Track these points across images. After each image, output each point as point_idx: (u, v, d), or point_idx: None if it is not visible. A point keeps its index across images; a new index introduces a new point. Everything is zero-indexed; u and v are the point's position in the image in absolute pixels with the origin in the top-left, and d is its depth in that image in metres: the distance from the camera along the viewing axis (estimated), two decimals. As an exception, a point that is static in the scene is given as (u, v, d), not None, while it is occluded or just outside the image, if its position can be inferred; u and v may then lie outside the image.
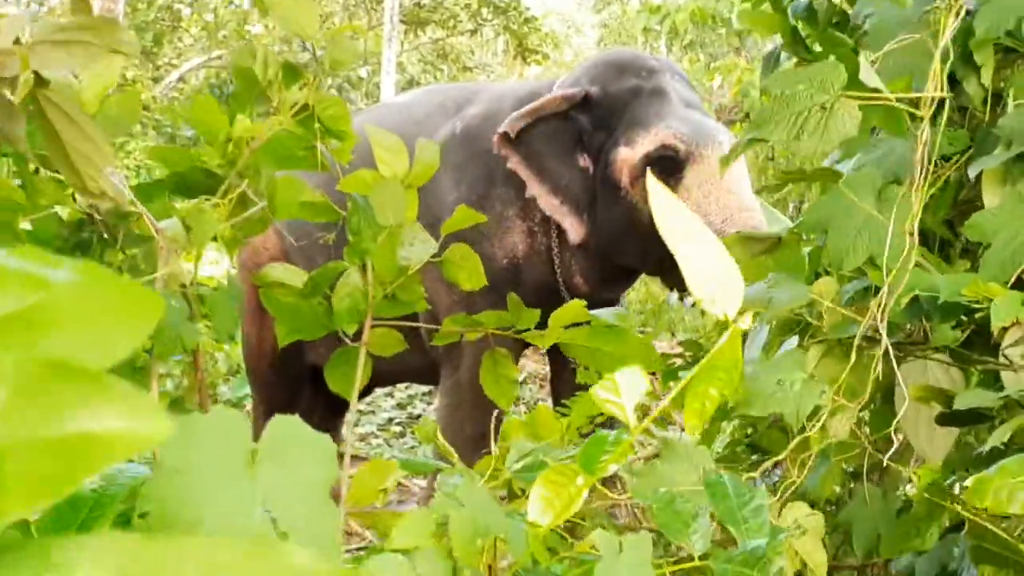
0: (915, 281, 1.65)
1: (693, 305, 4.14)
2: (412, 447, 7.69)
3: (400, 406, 8.82)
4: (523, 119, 4.40)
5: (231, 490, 0.91)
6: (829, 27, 2.55)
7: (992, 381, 1.76)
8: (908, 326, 1.85)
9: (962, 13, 1.80)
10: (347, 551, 5.70)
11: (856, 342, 1.65)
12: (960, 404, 1.62)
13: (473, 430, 4.47)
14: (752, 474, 2.05)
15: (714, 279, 0.95)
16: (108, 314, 0.44)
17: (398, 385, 8.58)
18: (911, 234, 1.65)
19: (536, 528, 1.21)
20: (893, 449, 1.69)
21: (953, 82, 1.87)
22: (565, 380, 4.84)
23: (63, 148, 1.39)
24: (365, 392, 6.60)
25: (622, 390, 1.17)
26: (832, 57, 2.47)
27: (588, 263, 4.54)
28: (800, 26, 2.61)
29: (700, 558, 1.24)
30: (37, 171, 1.67)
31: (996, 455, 1.60)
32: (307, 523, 0.91)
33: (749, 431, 2.45)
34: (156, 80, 19.69)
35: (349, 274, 1.92)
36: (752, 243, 2.05)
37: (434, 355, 4.70)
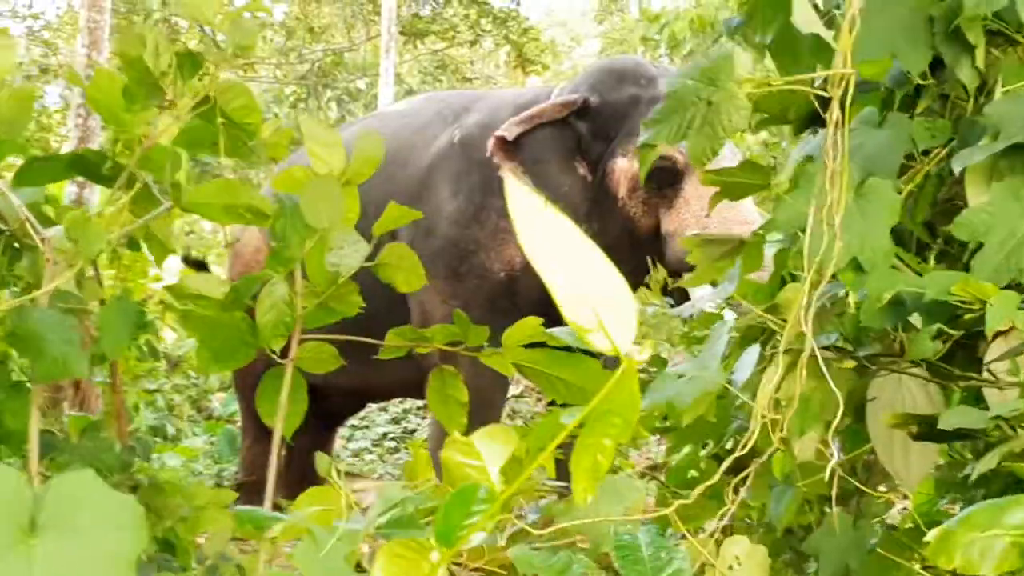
0: (895, 280, 1.47)
1: (692, 317, 4.01)
2: (405, 463, 7.55)
3: (394, 421, 8.68)
4: (521, 124, 4.36)
5: (-1, 567, 0.71)
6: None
7: (974, 400, 1.59)
8: (882, 339, 1.66)
9: None
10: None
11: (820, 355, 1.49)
12: (945, 425, 1.45)
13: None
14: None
15: (598, 300, 0.75)
16: None
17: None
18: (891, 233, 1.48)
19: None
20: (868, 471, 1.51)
21: (934, 67, 1.69)
22: None
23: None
24: (358, 407, 6.53)
25: (483, 453, 0.99)
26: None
27: None
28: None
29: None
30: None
31: (984, 481, 1.44)
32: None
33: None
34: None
35: (273, 284, 1.75)
36: (712, 246, 1.89)
37: (428, 367, 4.57)
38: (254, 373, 5.72)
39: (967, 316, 1.52)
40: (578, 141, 4.42)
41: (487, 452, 0.98)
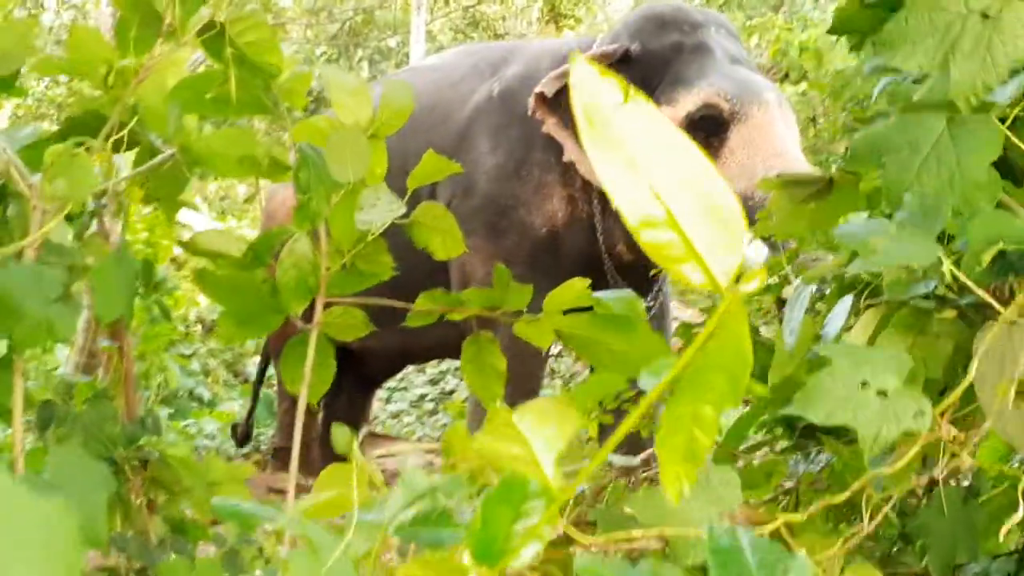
0: (1000, 228, 1.26)
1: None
2: (445, 424, 7.46)
3: (432, 382, 8.59)
4: (561, 79, 4.20)
5: None
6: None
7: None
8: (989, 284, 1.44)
9: None
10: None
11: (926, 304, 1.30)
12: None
13: (509, 403, 4.18)
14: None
15: (691, 217, 0.56)
16: None
17: (430, 360, 8.32)
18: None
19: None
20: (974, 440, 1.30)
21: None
22: None
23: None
24: (396, 369, 6.42)
25: (533, 439, 0.74)
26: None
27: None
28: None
29: None
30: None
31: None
32: None
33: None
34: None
35: (296, 241, 1.57)
36: (796, 186, 1.67)
37: (468, 327, 4.46)
38: (287, 336, 5.67)
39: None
40: None
41: (536, 434, 0.74)
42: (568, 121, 4.18)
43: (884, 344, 1.30)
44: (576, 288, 1.69)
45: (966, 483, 1.59)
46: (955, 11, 1.22)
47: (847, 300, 1.43)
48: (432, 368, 8.59)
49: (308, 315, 1.62)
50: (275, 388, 6.45)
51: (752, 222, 3.78)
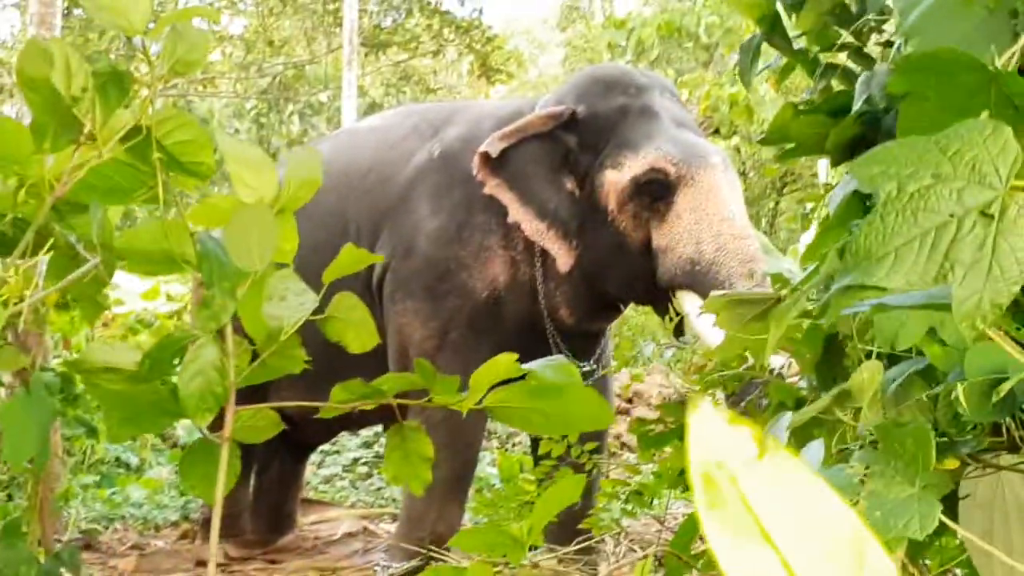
0: (999, 360, 1.16)
1: (691, 339, 3.84)
2: (379, 488, 7.31)
3: (366, 444, 8.42)
4: (506, 139, 4.20)
5: None
6: (828, 17, 2.15)
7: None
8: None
9: None
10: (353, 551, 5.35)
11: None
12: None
13: (448, 472, 4.20)
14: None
15: None
16: None
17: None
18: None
19: None
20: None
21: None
22: None
23: None
24: (332, 434, 6.29)
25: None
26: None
27: (574, 293, 4.33)
28: (784, 11, 2.20)
29: None
30: None
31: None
32: None
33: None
34: (112, 111, 19.16)
35: (200, 347, 1.44)
36: (742, 306, 1.60)
37: (405, 393, 4.38)
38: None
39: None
40: (565, 154, 4.26)
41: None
42: (512, 182, 4.17)
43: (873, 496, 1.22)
44: (503, 363, 1.61)
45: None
46: (946, 210, 0.96)
47: (817, 445, 1.33)
48: (366, 431, 8.44)
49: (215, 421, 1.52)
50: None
51: (702, 288, 3.73)
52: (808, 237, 5.03)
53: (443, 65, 23.99)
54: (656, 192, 4.08)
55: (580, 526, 3.57)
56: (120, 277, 8.83)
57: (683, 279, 4.00)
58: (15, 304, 1.23)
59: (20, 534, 1.46)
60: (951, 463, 1.25)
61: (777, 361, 2.45)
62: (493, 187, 4.16)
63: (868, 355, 1.40)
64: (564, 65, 26.94)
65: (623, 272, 4.22)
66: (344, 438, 8.22)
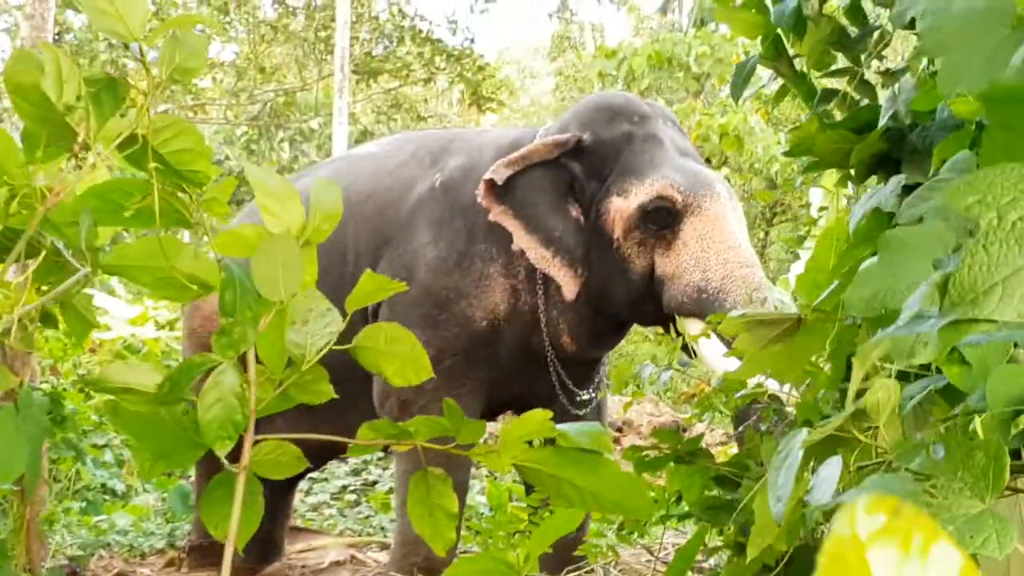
0: (1021, 387, 1.13)
1: (686, 367, 3.83)
2: (367, 516, 7.26)
3: (354, 472, 8.37)
4: (511, 166, 4.20)
5: None
6: (829, 47, 2.13)
7: None
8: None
9: None
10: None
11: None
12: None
13: None
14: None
15: None
16: None
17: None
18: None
19: None
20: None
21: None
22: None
23: None
24: (323, 461, 6.25)
25: None
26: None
27: (577, 320, 4.33)
28: (784, 34, 2.18)
29: None
30: None
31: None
32: None
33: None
34: (102, 136, 19.13)
35: (220, 373, 1.40)
36: (762, 327, 1.56)
37: (389, 417, 4.37)
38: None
39: None
40: (571, 182, 4.27)
41: None
42: (517, 209, 4.17)
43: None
44: (537, 419, 1.55)
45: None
46: None
47: (835, 461, 1.29)
48: (354, 458, 8.39)
49: (234, 452, 1.47)
50: (192, 480, 6.23)
51: (708, 315, 3.74)
52: (799, 268, 5.02)
53: (434, 93, 24.05)
54: (662, 220, 4.09)
55: (575, 553, 3.54)
56: (108, 302, 8.75)
57: (690, 306, 4.01)
58: (2, 319, 1.20)
59: (5, 557, 1.42)
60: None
61: (773, 385, 2.42)
62: (498, 214, 4.16)
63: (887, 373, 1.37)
64: (554, 94, 27.03)
65: (627, 299, 4.22)
66: (333, 466, 8.18)
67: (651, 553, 3.74)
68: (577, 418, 4.38)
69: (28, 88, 1.26)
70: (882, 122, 1.83)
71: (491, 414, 4.77)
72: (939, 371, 1.34)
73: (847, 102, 2.24)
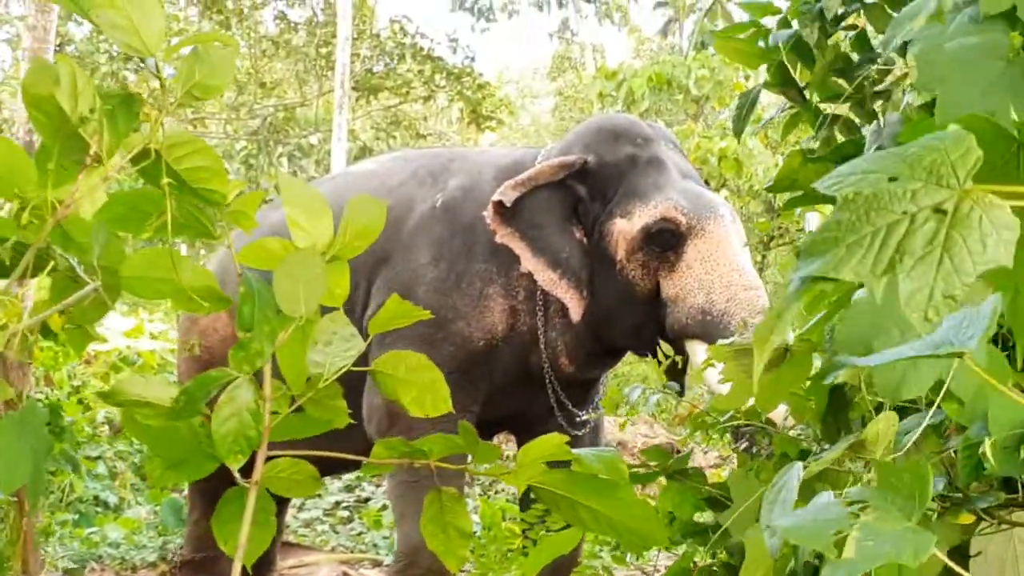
0: (1021, 415, 1.13)
1: (680, 392, 3.83)
2: (360, 533, 7.24)
3: (348, 488, 8.37)
4: (518, 188, 4.20)
5: None
6: (830, 75, 2.15)
7: None
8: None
9: None
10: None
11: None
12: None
13: None
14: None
15: None
16: None
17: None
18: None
19: None
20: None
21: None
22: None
23: None
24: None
25: None
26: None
27: (576, 342, 4.34)
28: (787, 59, 2.19)
29: None
30: None
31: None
32: None
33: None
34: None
35: (235, 388, 1.40)
36: (749, 356, 1.57)
37: (377, 432, 4.36)
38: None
39: None
40: (575, 204, 4.27)
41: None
42: (524, 231, 4.17)
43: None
44: (552, 443, 1.54)
45: None
46: (899, 208, 0.95)
47: (828, 496, 1.29)
48: (348, 475, 8.38)
49: (246, 467, 1.46)
50: (184, 493, 6.22)
51: (713, 338, 3.72)
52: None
53: (434, 111, 24.08)
54: (666, 242, 4.10)
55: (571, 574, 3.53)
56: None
57: (694, 328, 4.02)
58: (3, 329, 1.20)
59: (2, 568, 1.41)
60: (966, 518, 1.22)
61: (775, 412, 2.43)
62: (505, 236, 4.16)
63: (878, 407, 1.37)
64: (554, 114, 27.10)
65: (630, 320, 4.24)
66: (326, 482, 8.17)
67: (645, 574, 3.75)
68: (574, 438, 4.39)
69: (44, 99, 1.27)
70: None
71: (487, 433, 4.76)
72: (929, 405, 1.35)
73: (849, 128, 2.26)
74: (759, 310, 3.92)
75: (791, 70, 2.22)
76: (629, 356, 5.28)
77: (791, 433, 2.06)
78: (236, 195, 1.42)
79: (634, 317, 4.21)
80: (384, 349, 4.44)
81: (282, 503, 5.73)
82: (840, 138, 2.21)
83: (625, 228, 4.13)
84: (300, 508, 7.84)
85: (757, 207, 13.77)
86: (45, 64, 1.24)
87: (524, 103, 32.39)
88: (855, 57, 2.25)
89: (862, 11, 2.24)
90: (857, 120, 2.29)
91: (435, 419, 1.70)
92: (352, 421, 1.63)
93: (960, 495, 1.28)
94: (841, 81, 2.26)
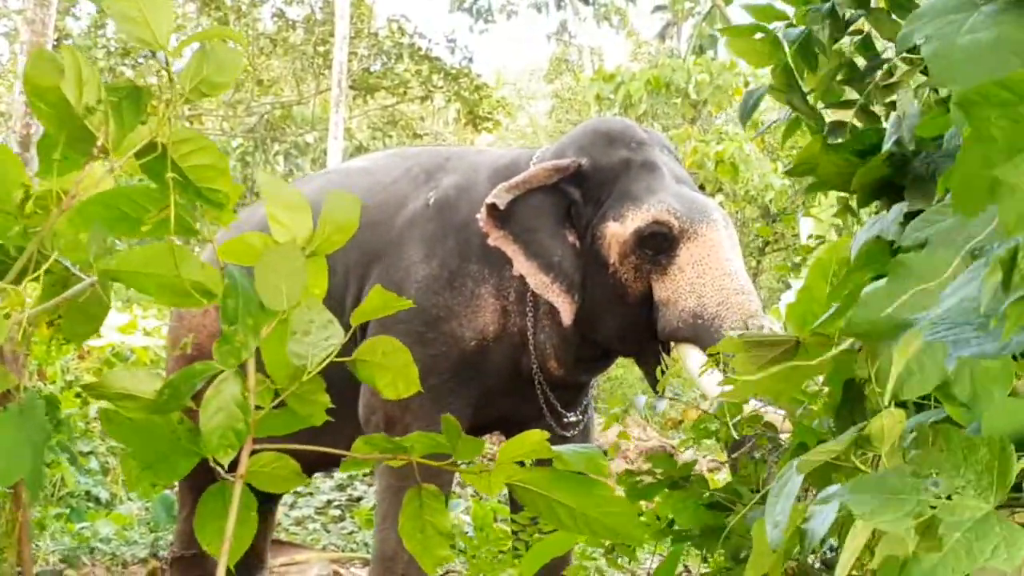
0: (1016, 419, 1.11)
1: (671, 399, 3.81)
2: (351, 532, 7.23)
3: (340, 487, 8.35)
4: (512, 191, 4.19)
5: None
6: (834, 82, 2.14)
7: None
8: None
9: None
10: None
11: None
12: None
13: None
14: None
15: None
16: None
17: (336, 464, 8.08)
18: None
19: None
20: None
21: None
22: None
23: None
24: (307, 475, 6.20)
25: None
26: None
27: (565, 345, 4.33)
28: (793, 61, 2.18)
29: None
30: None
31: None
32: None
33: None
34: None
35: (222, 381, 1.39)
36: (760, 348, 1.56)
37: (375, 431, 4.35)
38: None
39: None
40: (568, 207, 4.26)
41: None
42: (517, 234, 4.16)
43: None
44: (533, 440, 1.54)
45: None
46: None
47: (831, 490, 1.29)
48: (339, 473, 8.37)
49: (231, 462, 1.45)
50: (175, 490, 6.21)
51: (705, 342, 3.70)
52: (789, 296, 5.03)
53: (431, 111, 24.07)
54: (658, 245, 4.09)
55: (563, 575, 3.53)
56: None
57: (686, 332, 4.01)
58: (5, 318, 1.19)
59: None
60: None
61: (770, 412, 2.42)
62: (498, 239, 4.15)
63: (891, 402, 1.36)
64: (551, 116, 27.09)
65: (620, 324, 4.23)
66: (318, 480, 8.16)
67: (638, 579, 3.73)
68: (564, 440, 4.39)
69: (47, 90, 1.24)
70: (886, 146, 1.83)
71: (477, 434, 4.75)
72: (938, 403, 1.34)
73: (868, 117, 2.25)
74: (751, 314, 3.92)
75: (796, 75, 2.21)
76: (623, 359, 5.27)
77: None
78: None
79: (626, 320, 4.20)
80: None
81: (272, 500, 5.72)
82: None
83: (618, 231, 4.13)
84: (291, 506, 7.82)
85: (753, 212, 13.79)
86: (48, 54, 1.22)
87: (521, 104, 32.37)
88: (859, 62, 2.25)
89: (864, 17, 2.24)
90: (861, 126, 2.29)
91: (431, 422, 1.70)
92: (331, 419, 1.63)
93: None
94: (846, 87, 2.26)
